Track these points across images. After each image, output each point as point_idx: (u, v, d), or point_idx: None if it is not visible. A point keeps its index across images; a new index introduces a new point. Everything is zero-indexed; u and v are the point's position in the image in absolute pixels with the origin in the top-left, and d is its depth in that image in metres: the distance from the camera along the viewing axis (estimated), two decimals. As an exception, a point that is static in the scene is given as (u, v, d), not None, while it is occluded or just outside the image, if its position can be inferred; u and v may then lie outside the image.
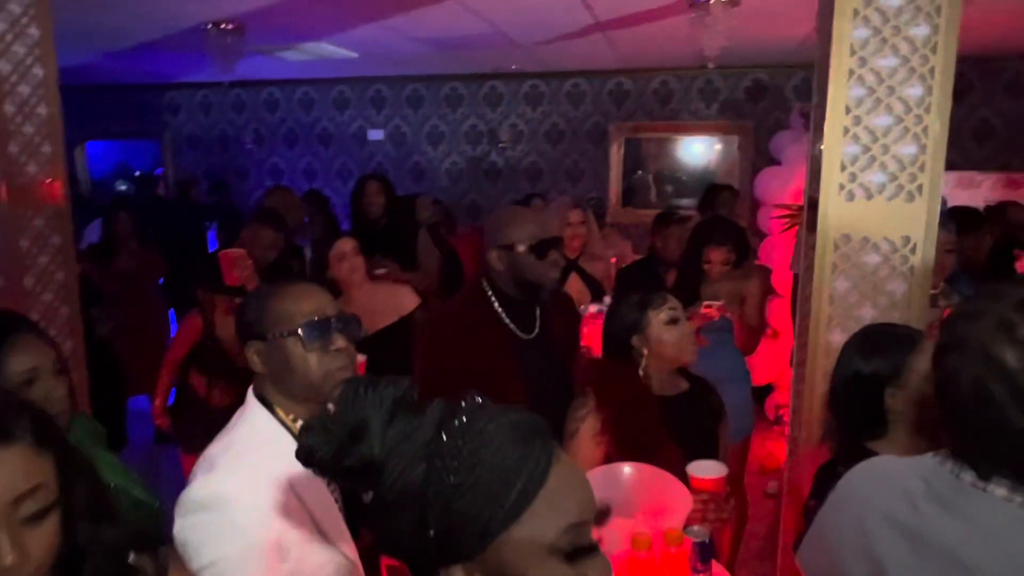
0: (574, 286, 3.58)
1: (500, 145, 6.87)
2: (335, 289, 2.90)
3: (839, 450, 1.66)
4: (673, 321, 1.95)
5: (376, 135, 7.20)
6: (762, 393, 4.88)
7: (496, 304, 2.09)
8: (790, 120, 5.60)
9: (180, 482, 1.29)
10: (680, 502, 1.45)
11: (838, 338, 2.03)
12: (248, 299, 1.37)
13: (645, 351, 1.96)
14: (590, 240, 3.72)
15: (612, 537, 1.35)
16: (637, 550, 1.36)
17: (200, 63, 6.10)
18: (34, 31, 2.82)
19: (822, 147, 2.01)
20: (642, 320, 1.97)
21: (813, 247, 2.07)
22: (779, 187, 5.18)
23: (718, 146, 6.66)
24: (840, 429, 1.67)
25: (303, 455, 0.79)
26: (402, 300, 2.94)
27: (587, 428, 1.88)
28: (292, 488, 1.25)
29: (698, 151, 6.73)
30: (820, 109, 2.05)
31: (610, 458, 1.82)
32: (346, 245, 2.95)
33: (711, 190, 4.60)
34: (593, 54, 5.69)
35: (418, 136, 7.12)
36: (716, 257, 3.13)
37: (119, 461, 1.65)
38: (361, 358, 2.45)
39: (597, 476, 1.53)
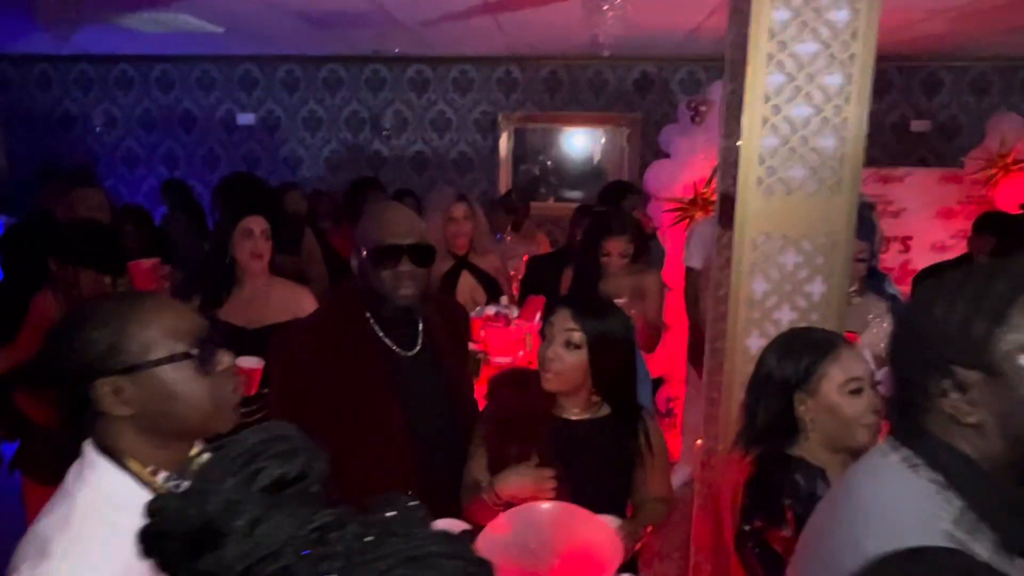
0: (466, 285, 3.34)
1: (384, 133, 6.50)
2: (229, 275, 2.53)
3: (761, 457, 1.54)
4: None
5: (246, 119, 6.61)
6: (653, 386, 4.86)
7: (369, 316, 1.80)
8: (677, 113, 5.62)
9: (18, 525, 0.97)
10: (611, 551, 1.25)
11: (756, 342, 1.91)
12: (83, 324, 1.02)
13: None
14: (477, 235, 3.47)
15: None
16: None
17: (33, 30, 5.32)
18: None
19: (738, 141, 1.86)
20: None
21: (728, 245, 1.93)
22: (668, 180, 5.16)
23: (603, 139, 6.63)
24: (752, 435, 1.57)
25: (144, 542, 0.62)
26: (300, 301, 2.57)
27: (477, 438, 1.71)
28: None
29: (586, 143, 6.67)
30: (735, 96, 1.91)
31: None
32: (256, 224, 2.56)
33: (615, 189, 4.48)
34: (482, 39, 5.45)
35: (294, 121, 6.61)
36: (615, 249, 2.99)
37: None
38: (257, 363, 2.11)
39: (513, 517, 1.30)
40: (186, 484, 0.62)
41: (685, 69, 6.26)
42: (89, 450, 1.03)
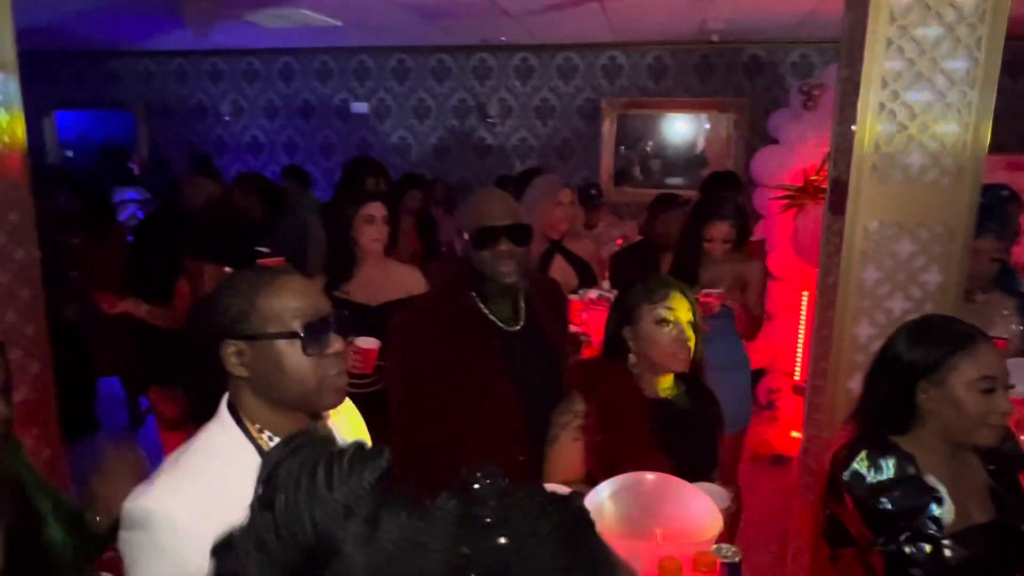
0: (559, 269, 3.41)
1: (488, 120, 6.64)
2: (350, 256, 2.70)
3: (860, 435, 1.55)
4: (666, 322, 1.74)
5: (360, 108, 6.93)
6: (754, 377, 4.78)
7: (475, 295, 1.92)
8: (789, 98, 5.45)
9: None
10: (709, 521, 1.30)
11: (865, 331, 1.89)
12: (225, 291, 1.16)
13: (633, 347, 1.79)
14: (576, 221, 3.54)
15: (637, 563, 1.20)
16: None
17: (175, 29, 5.80)
18: (-14, -14, 2.56)
19: (853, 126, 1.84)
20: (635, 312, 1.79)
21: (839, 233, 1.91)
22: (777, 167, 5.03)
23: (707, 125, 6.50)
24: (865, 416, 1.57)
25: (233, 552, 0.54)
26: (411, 280, 2.74)
27: (568, 435, 1.72)
28: (241, 515, 1.07)
29: (689, 129, 6.57)
30: (850, 82, 1.89)
31: (591, 468, 1.67)
32: (377, 210, 2.72)
33: (716, 178, 4.42)
34: (587, 26, 5.47)
35: (404, 109, 6.87)
36: (717, 234, 2.96)
37: (46, 484, 1.47)
38: (374, 344, 2.27)
39: (616, 485, 1.38)
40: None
41: (797, 52, 6.05)
42: (222, 403, 1.18)
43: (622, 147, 6.55)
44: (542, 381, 1.96)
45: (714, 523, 1.30)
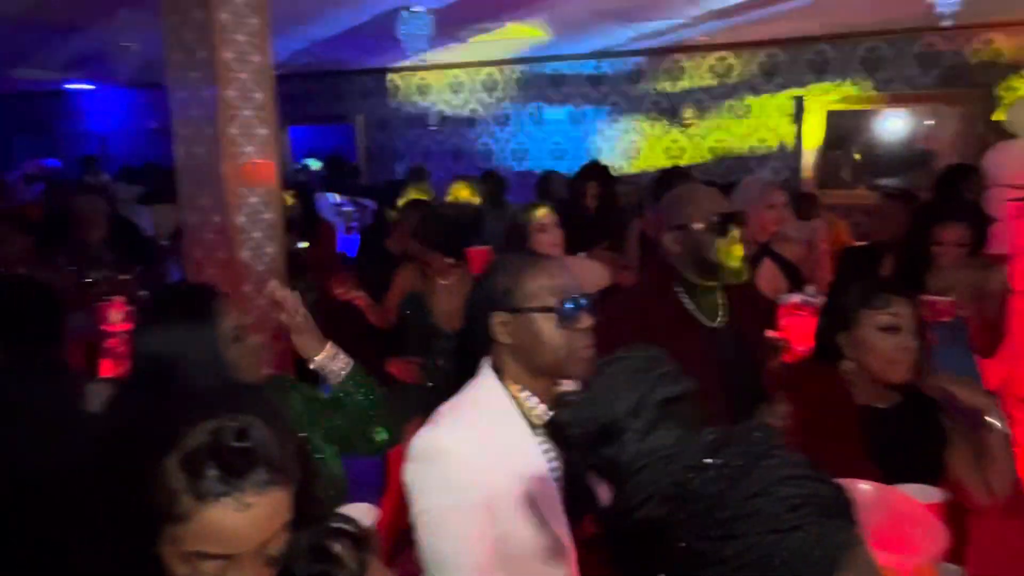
0: (766, 272, 3.29)
1: (684, 122, 6.54)
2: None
3: None
4: (891, 329, 1.64)
5: (555, 113, 7.16)
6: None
7: (679, 290, 1.93)
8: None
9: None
10: (931, 536, 1.22)
11: None
12: (495, 270, 1.36)
13: (850, 354, 1.70)
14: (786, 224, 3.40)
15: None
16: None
17: (391, 48, 6.36)
18: (254, 20, 3.02)
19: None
20: (853, 317, 1.69)
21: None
22: (1017, 164, 4.48)
23: (929, 120, 5.89)
24: None
25: (552, 427, 0.78)
26: (592, 275, 2.83)
27: None
28: (509, 458, 1.26)
29: (905, 125, 5.99)
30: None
31: None
32: (546, 216, 2.86)
33: (953, 174, 4.00)
34: (792, 19, 5.22)
35: (598, 114, 6.98)
36: (950, 237, 2.68)
37: (327, 432, 1.70)
38: None
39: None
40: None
41: (1045, 34, 5.32)
42: (485, 364, 1.36)
43: (828, 146, 6.14)
44: (743, 381, 1.94)
45: (937, 540, 1.22)
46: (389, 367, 2.96)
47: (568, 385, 1.39)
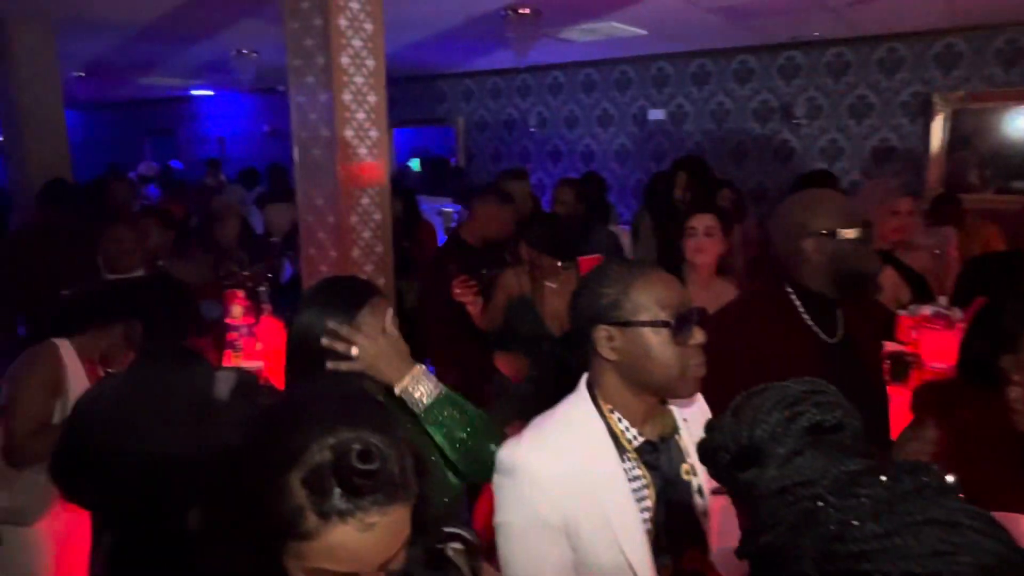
0: (889, 280, 3.08)
1: (794, 122, 6.26)
2: (675, 270, 2.80)
3: None
4: None
5: (656, 115, 7.01)
6: None
7: (797, 302, 1.81)
8: None
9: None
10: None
11: None
12: (599, 280, 1.26)
13: (1017, 379, 1.53)
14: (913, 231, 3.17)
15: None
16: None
17: (494, 51, 6.42)
18: (369, 25, 3.09)
19: None
20: (1021, 340, 1.52)
21: None
22: None
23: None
24: None
25: (702, 451, 0.79)
26: (724, 292, 2.71)
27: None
28: (593, 484, 1.20)
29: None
30: None
31: None
32: (700, 222, 2.76)
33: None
34: (918, 12, 4.88)
35: (701, 114, 6.78)
36: None
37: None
38: None
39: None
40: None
41: None
42: (582, 380, 1.30)
43: (953, 147, 5.72)
44: (861, 399, 1.80)
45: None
46: (496, 361, 2.97)
47: (673, 405, 1.33)
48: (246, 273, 3.42)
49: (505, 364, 2.96)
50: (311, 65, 3.02)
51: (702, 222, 2.75)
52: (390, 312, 1.51)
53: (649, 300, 1.22)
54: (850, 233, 1.70)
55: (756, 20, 5.13)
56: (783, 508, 0.68)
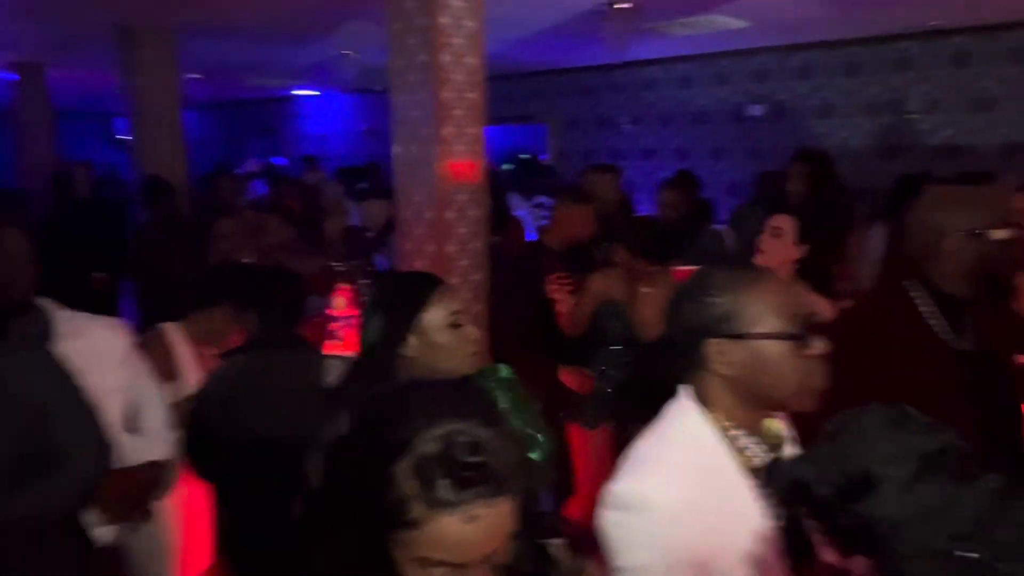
0: None
1: (906, 116, 5.90)
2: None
3: None
4: None
5: (756, 110, 6.77)
6: None
7: (923, 305, 1.69)
8: None
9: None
10: None
11: None
12: (707, 288, 1.17)
13: None
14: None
15: None
16: None
17: (588, 47, 6.37)
18: (470, 23, 3.12)
19: None
20: None
21: None
22: None
23: None
24: None
25: (788, 487, 0.75)
26: (815, 302, 2.58)
27: None
28: (722, 510, 1.11)
29: None
30: None
31: None
32: (785, 222, 2.64)
33: None
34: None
35: (803, 109, 6.50)
36: None
37: (526, 413, 1.70)
38: None
39: None
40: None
41: None
42: (684, 395, 1.20)
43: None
44: (991, 411, 1.67)
45: None
46: (562, 375, 2.94)
47: (778, 417, 1.25)
48: (347, 266, 3.54)
49: (571, 377, 2.94)
50: (413, 63, 3.08)
51: (772, 221, 2.64)
52: (456, 303, 1.52)
53: (766, 309, 1.12)
54: (1000, 234, 1.59)
55: (864, 10, 4.87)
56: (925, 538, 0.63)
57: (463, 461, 0.77)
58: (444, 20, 3.01)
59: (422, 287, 1.57)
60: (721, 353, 1.14)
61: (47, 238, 4.17)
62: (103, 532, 1.73)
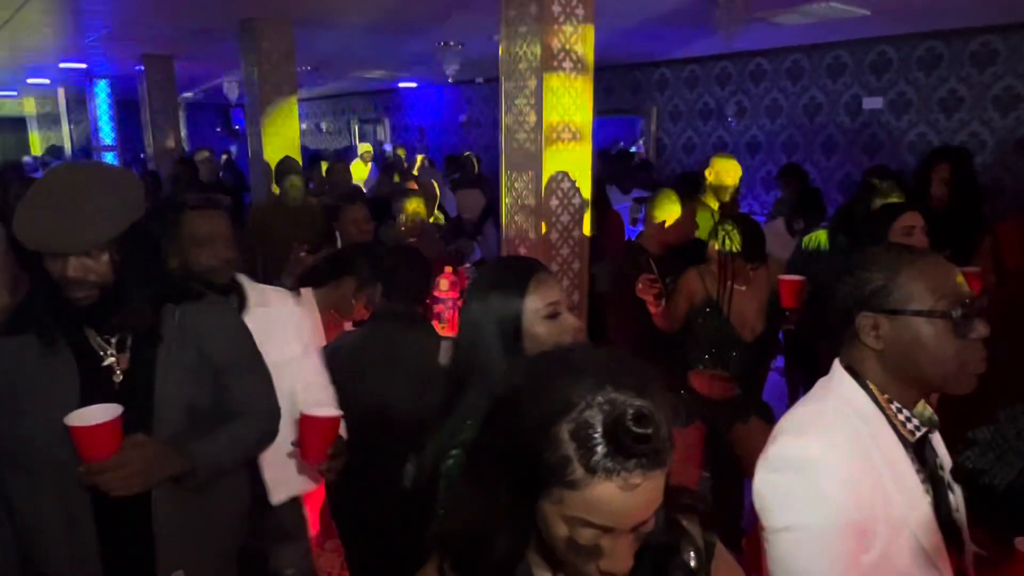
0: None
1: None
2: None
3: None
4: None
5: (873, 103, 6.42)
6: None
7: None
8: None
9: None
10: None
11: None
12: (863, 264, 1.19)
13: None
14: None
15: None
16: None
17: (695, 37, 6.22)
18: (580, 11, 3.12)
19: None
20: None
21: None
22: None
23: None
24: None
25: (961, 473, 0.69)
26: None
27: None
28: (884, 474, 1.11)
29: None
30: None
31: None
32: (915, 220, 2.56)
33: None
34: None
35: (927, 103, 6.11)
36: None
37: None
38: None
39: None
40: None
41: None
42: (838, 367, 1.21)
43: None
44: None
45: None
46: (692, 381, 2.86)
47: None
48: (452, 249, 3.63)
49: (702, 382, 2.86)
50: (522, 51, 3.11)
51: (901, 221, 2.52)
52: (553, 292, 1.49)
53: (922, 288, 1.13)
54: None
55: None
56: None
57: (631, 431, 0.78)
58: (555, 7, 3.02)
59: (519, 277, 1.55)
60: (874, 327, 1.16)
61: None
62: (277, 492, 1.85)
